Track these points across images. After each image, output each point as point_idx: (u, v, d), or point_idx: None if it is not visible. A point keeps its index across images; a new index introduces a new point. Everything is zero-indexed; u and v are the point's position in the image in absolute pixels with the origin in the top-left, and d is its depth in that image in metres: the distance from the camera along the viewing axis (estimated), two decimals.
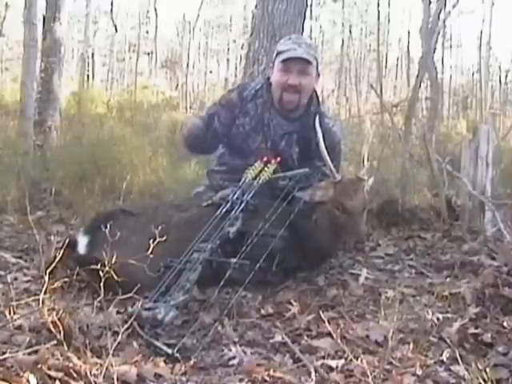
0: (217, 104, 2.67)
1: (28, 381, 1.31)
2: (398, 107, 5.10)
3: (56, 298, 1.72)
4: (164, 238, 1.72)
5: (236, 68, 18.70)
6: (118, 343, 1.46)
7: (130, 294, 1.63)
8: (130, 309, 1.70)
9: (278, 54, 2.58)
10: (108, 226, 1.79)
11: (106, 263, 1.59)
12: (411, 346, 1.63)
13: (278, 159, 2.47)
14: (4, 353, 1.40)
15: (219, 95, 2.85)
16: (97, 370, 1.37)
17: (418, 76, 3.86)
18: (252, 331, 1.81)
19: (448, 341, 1.71)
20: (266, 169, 2.42)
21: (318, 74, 2.67)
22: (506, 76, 16.75)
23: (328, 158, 2.34)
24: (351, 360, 1.54)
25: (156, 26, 19.29)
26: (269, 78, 2.67)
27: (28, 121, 5.02)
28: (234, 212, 2.16)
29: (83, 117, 6.90)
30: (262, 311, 1.97)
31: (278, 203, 2.25)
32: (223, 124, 2.59)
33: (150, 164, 3.95)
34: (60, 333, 1.49)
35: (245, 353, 1.62)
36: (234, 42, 21.24)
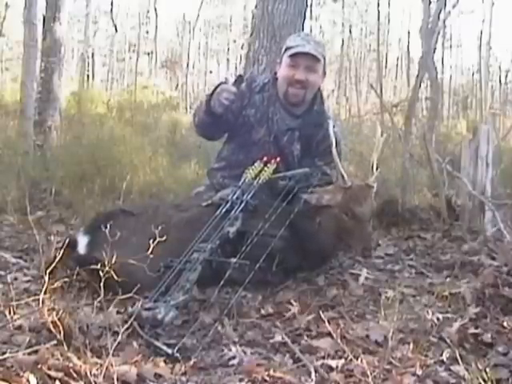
0: None
1: (28, 381, 1.31)
2: (397, 107, 5.10)
3: (56, 298, 1.72)
4: (164, 238, 1.72)
5: (236, 68, 18.70)
6: (118, 343, 1.46)
7: (130, 294, 1.64)
8: (130, 309, 1.70)
9: (287, 49, 2.60)
10: (108, 226, 1.79)
11: (106, 263, 1.59)
12: (411, 346, 1.63)
13: (278, 159, 2.48)
14: (4, 353, 1.40)
15: None
16: (97, 370, 1.37)
17: (417, 76, 3.86)
18: (252, 331, 1.81)
19: (448, 341, 1.71)
20: (265, 169, 2.42)
21: (324, 73, 2.69)
22: (506, 76, 16.74)
23: (339, 162, 2.34)
24: (351, 360, 1.54)
25: (156, 26, 19.31)
26: (275, 73, 2.68)
27: (28, 121, 5.02)
28: (233, 212, 2.16)
29: (83, 117, 6.91)
30: (262, 311, 1.97)
31: (278, 203, 2.25)
32: (232, 111, 2.59)
33: (150, 164, 3.95)
34: (60, 333, 1.49)
35: (245, 353, 1.62)
36: (234, 41, 21.25)
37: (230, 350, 1.63)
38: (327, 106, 2.75)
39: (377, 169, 2.38)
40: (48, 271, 1.61)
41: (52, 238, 2.55)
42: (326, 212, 2.32)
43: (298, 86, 2.58)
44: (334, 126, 2.60)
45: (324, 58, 2.62)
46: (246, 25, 19.15)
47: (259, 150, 2.58)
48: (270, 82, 2.67)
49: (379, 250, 2.88)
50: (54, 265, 1.68)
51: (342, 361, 1.56)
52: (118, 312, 1.76)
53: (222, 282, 1.88)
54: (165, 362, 1.53)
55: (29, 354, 1.44)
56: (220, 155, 2.78)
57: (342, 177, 2.31)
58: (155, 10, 18.89)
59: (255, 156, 2.52)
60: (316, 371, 1.50)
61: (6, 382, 1.28)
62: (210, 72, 21.00)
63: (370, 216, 2.34)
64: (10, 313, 1.63)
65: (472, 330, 1.79)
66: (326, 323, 1.66)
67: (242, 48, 17.73)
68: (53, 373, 1.36)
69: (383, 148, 2.52)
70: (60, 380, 1.34)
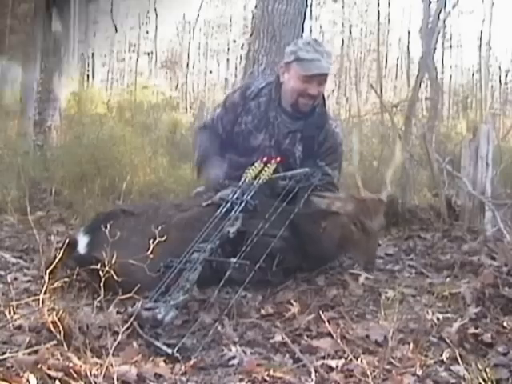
0: (222, 106, 2.73)
1: (28, 381, 1.31)
2: (397, 107, 5.10)
3: (56, 298, 1.72)
4: (164, 238, 1.72)
5: (236, 68, 18.68)
6: (118, 343, 1.46)
7: (130, 294, 1.64)
8: (130, 309, 1.70)
9: (299, 60, 2.52)
10: (108, 226, 1.79)
11: (106, 263, 1.59)
12: (411, 346, 1.63)
13: (278, 159, 2.48)
14: (4, 353, 1.40)
15: (219, 95, 2.89)
16: (97, 370, 1.37)
17: (417, 76, 3.87)
18: (252, 331, 1.81)
19: (448, 341, 1.71)
20: (265, 169, 2.42)
21: None
22: (506, 76, 16.71)
23: (358, 174, 2.34)
24: (351, 360, 1.54)
25: (156, 26, 19.30)
26: (278, 77, 2.65)
27: (28, 121, 5.02)
28: (233, 212, 2.16)
29: (83, 117, 6.90)
30: (262, 311, 1.97)
31: (278, 203, 2.25)
32: (225, 128, 2.66)
33: (150, 164, 3.95)
34: (60, 333, 1.49)
35: (245, 353, 1.62)
36: (234, 41, 21.23)
37: (230, 350, 1.63)
38: (327, 107, 2.75)
39: (390, 186, 2.38)
40: (48, 271, 1.61)
41: (52, 237, 2.55)
42: (333, 218, 2.32)
43: (308, 98, 2.57)
44: (336, 127, 2.62)
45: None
46: (246, 25, 19.13)
47: (260, 153, 2.58)
48: (267, 86, 2.66)
49: (379, 250, 2.87)
50: (54, 265, 1.68)
51: (342, 361, 1.56)
52: (117, 312, 1.76)
53: (222, 282, 1.88)
54: (165, 362, 1.53)
55: (29, 353, 1.43)
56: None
57: (358, 188, 2.31)
58: (155, 9, 18.88)
59: (256, 159, 2.52)
60: (316, 371, 1.50)
61: (6, 382, 1.28)
62: (210, 72, 20.98)
63: (379, 231, 2.35)
64: (9, 313, 1.64)
65: (472, 330, 1.79)
66: (326, 323, 1.66)
67: (241, 48, 17.72)
68: (53, 373, 1.36)
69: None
70: (60, 380, 1.34)
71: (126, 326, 1.55)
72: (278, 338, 1.73)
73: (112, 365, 1.38)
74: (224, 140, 2.70)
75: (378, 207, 2.32)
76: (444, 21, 4.76)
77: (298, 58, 2.53)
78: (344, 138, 2.86)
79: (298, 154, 2.65)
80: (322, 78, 2.55)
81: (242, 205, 2.20)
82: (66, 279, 1.85)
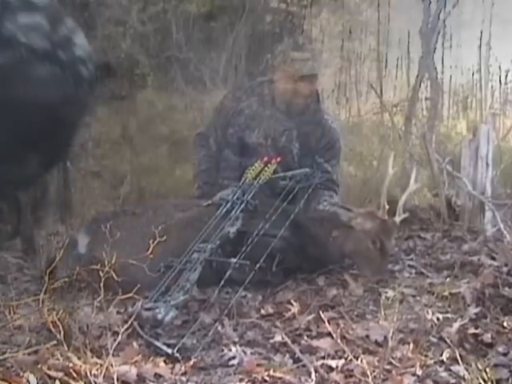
0: (214, 112, 2.79)
1: (28, 381, 1.31)
2: (397, 107, 5.10)
3: (56, 298, 1.73)
4: (164, 238, 1.72)
5: (236, 68, 18.68)
6: (118, 343, 1.46)
7: (130, 294, 1.64)
8: (130, 309, 1.70)
9: (289, 60, 2.56)
10: (108, 226, 1.79)
11: (106, 263, 1.59)
12: (411, 346, 1.63)
13: (279, 159, 2.49)
14: (4, 353, 1.40)
15: (219, 95, 2.91)
16: (97, 370, 1.37)
17: (417, 76, 3.86)
18: (252, 331, 1.81)
19: (448, 341, 1.71)
20: (266, 169, 2.43)
21: None
22: (506, 76, 16.65)
23: (384, 195, 2.36)
24: (351, 360, 1.54)
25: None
26: (271, 75, 2.68)
27: None
28: (234, 212, 2.16)
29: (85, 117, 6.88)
30: (262, 311, 1.97)
31: (279, 203, 2.25)
32: (219, 132, 2.70)
33: (151, 164, 3.95)
34: (60, 333, 1.49)
35: (245, 353, 1.62)
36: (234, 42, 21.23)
37: (230, 350, 1.63)
38: (325, 105, 2.77)
39: (404, 212, 2.40)
40: (48, 271, 1.61)
41: (52, 237, 2.55)
42: (347, 231, 2.33)
43: (301, 97, 2.59)
44: (332, 122, 2.63)
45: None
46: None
47: (258, 152, 2.59)
48: (259, 86, 2.69)
49: None
50: (53, 265, 1.68)
51: (342, 361, 1.55)
52: (118, 312, 1.76)
53: (222, 282, 1.88)
54: (165, 362, 1.53)
55: (29, 354, 1.44)
56: (220, 157, 2.79)
57: (383, 208, 2.33)
58: None
59: (255, 158, 2.53)
60: (316, 371, 1.50)
61: (6, 382, 1.29)
62: (211, 72, 21.00)
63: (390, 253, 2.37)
64: (9, 313, 1.64)
65: (472, 330, 1.78)
66: (326, 323, 1.66)
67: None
68: (53, 373, 1.36)
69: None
70: (60, 380, 1.34)
71: (126, 326, 1.55)
72: (278, 338, 1.73)
73: (112, 365, 1.38)
74: (220, 144, 2.72)
75: (394, 229, 2.35)
76: (444, 21, 4.76)
77: (288, 58, 2.57)
78: (343, 137, 2.87)
79: (295, 152, 2.66)
80: (313, 77, 2.58)
81: (243, 205, 2.20)
82: (66, 279, 1.85)
